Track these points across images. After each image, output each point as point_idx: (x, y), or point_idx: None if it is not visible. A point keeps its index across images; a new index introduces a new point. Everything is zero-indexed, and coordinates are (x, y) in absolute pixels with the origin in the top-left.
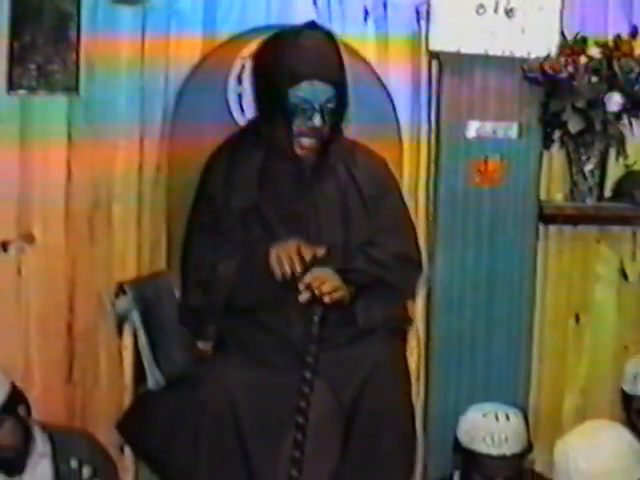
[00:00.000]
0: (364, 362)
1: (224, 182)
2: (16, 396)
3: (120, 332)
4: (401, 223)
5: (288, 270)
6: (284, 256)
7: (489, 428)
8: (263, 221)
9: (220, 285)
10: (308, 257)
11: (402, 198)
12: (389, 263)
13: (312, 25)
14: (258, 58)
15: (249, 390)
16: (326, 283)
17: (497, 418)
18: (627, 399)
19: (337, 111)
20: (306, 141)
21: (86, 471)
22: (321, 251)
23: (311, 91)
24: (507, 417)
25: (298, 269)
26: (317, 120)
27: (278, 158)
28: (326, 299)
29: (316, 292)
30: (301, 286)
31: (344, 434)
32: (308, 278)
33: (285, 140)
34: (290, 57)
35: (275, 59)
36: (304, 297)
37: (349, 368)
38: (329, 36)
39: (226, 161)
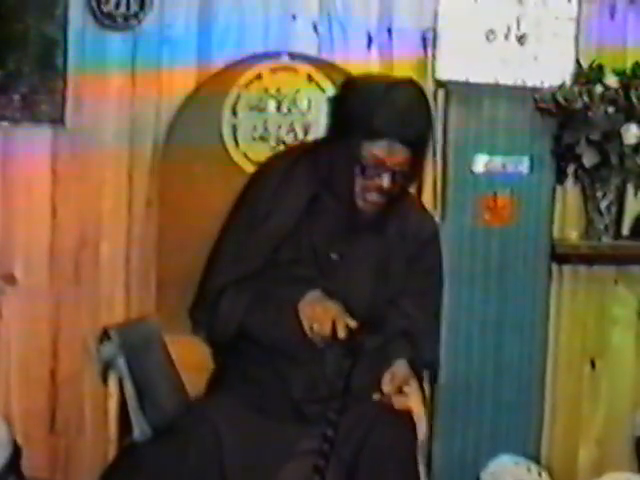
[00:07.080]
0: (365, 415)
1: (268, 203)
2: (18, 453)
3: (105, 379)
4: (432, 292)
5: (328, 332)
6: (325, 319)
7: (517, 476)
8: (295, 250)
9: (225, 317)
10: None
11: (441, 266)
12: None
13: (408, 81)
14: (343, 96)
15: (238, 435)
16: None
17: (529, 470)
18: None
19: (409, 174)
20: (372, 197)
21: None
22: (354, 324)
23: (387, 151)
24: (539, 474)
25: (341, 334)
26: (386, 181)
27: (333, 198)
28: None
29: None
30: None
31: None
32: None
33: (346, 190)
34: (375, 112)
35: (358, 107)
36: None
37: (348, 421)
38: (421, 93)
39: (274, 184)
